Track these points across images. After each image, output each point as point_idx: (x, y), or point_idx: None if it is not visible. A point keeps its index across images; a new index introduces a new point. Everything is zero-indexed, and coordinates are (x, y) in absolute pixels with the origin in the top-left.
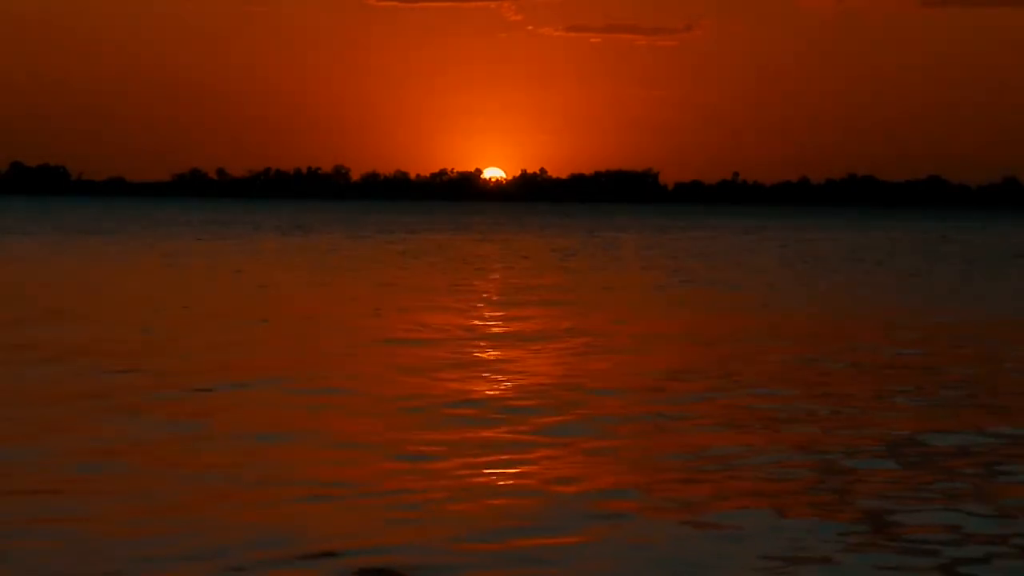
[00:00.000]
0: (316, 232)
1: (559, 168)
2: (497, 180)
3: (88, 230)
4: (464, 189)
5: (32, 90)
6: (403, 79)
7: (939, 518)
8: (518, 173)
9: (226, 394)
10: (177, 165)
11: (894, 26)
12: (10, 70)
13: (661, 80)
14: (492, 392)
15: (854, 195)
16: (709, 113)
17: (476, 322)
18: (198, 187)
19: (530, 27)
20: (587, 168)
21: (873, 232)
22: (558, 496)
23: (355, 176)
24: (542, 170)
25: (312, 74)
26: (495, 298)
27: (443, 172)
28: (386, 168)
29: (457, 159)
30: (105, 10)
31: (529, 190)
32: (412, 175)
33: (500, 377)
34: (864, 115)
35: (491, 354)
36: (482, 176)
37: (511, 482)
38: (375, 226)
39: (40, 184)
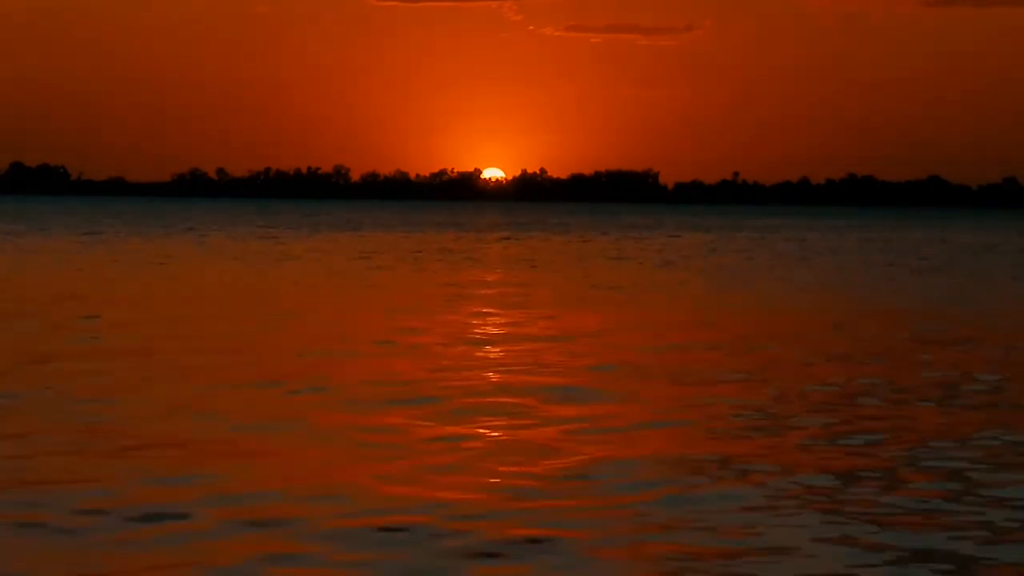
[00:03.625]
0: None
1: (559, 168)
2: (497, 180)
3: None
4: (464, 189)
5: (32, 90)
6: (403, 79)
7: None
8: (518, 173)
9: None
10: (177, 165)
11: (894, 26)
12: (10, 70)
13: (661, 80)
14: None
15: (854, 195)
16: (709, 113)
17: None
18: (198, 187)
19: (531, 27)
20: (587, 168)
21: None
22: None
23: (355, 176)
24: (542, 170)
25: (312, 74)
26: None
27: (443, 172)
28: (386, 168)
29: (457, 159)
30: (105, 10)
31: (529, 190)
32: (412, 175)
33: None
34: (864, 115)
35: None
36: (482, 176)
37: None
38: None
39: (40, 184)
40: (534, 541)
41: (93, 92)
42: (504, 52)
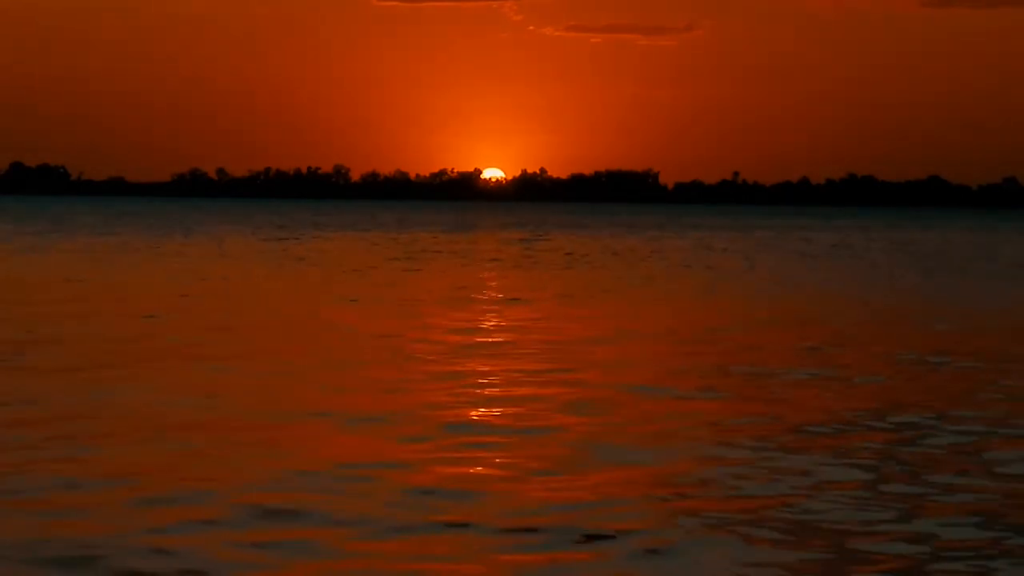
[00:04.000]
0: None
1: (559, 168)
2: (497, 180)
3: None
4: (464, 189)
5: (32, 90)
6: (403, 79)
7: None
8: (518, 173)
9: None
10: (177, 165)
11: (894, 26)
12: (10, 70)
13: (661, 80)
14: None
15: (854, 195)
16: (709, 113)
17: None
18: (198, 187)
19: (531, 27)
20: (587, 168)
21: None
22: None
23: (355, 176)
24: (542, 170)
25: (312, 74)
26: None
27: (443, 172)
28: (386, 168)
29: (457, 159)
30: (105, 10)
31: (529, 190)
32: (412, 175)
33: None
34: (864, 115)
35: None
36: (482, 176)
37: None
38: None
39: (40, 184)
40: (651, 549)
41: (93, 92)
42: (504, 52)
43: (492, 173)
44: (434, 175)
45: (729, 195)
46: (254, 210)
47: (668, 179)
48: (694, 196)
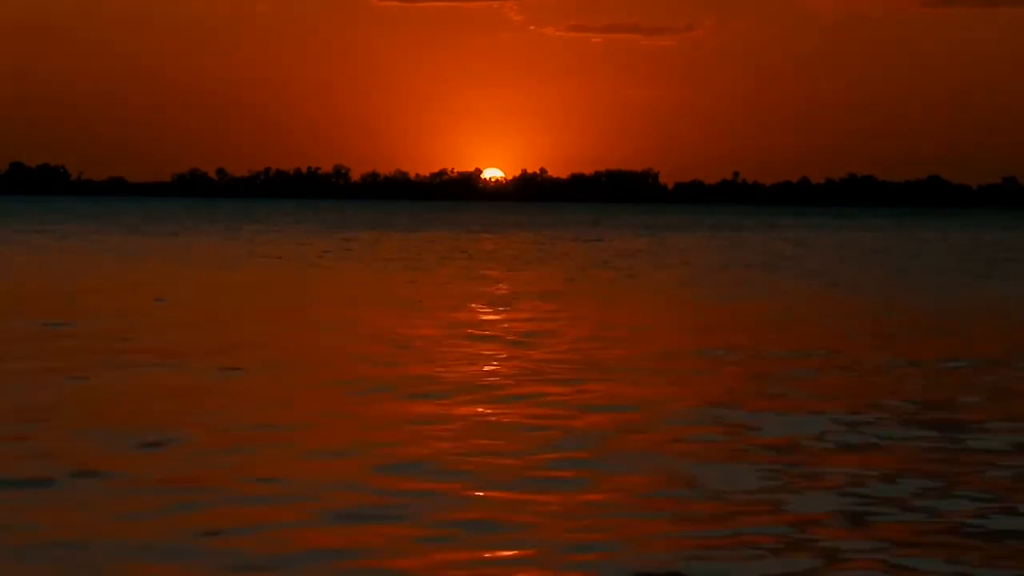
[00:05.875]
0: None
1: (559, 168)
2: (497, 180)
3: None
4: (464, 189)
5: (32, 90)
6: (403, 79)
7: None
8: (518, 173)
9: None
10: (177, 165)
11: (894, 26)
12: (10, 70)
13: (662, 80)
14: None
15: (854, 195)
16: (709, 113)
17: None
18: (198, 187)
19: (532, 27)
20: (587, 168)
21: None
22: None
23: (355, 176)
24: (542, 170)
25: (312, 74)
26: None
27: (443, 172)
28: (386, 168)
29: (457, 159)
30: (105, 10)
31: (529, 190)
32: (412, 175)
33: None
34: (864, 115)
35: None
36: (482, 176)
37: None
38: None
39: (40, 184)
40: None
41: (93, 92)
42: (505, 52)
43: (492, 173)
44: (434, 175)
45: (729, 195)
46: (259, 210)
47: (668, 179)
48: (694, 196)
